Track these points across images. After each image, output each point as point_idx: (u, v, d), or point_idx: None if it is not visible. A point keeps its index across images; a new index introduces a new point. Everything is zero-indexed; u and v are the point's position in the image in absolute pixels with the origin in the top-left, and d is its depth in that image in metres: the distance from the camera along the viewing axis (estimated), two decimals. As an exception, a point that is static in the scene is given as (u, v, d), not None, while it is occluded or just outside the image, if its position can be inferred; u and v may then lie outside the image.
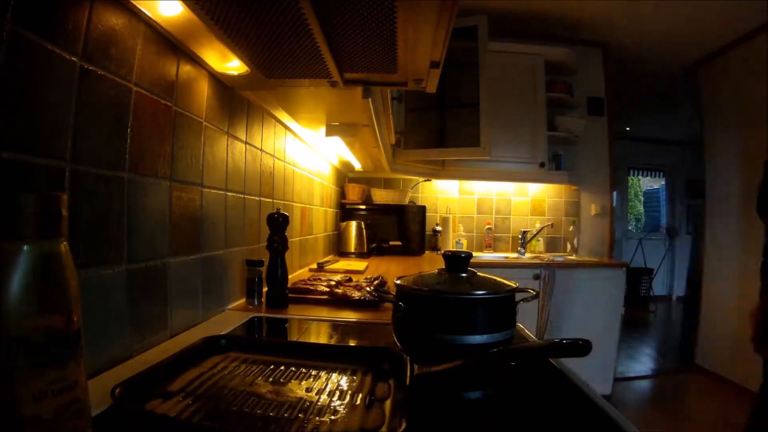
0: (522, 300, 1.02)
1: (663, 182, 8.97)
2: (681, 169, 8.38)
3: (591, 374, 3.38)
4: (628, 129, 7.43)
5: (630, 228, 9.02)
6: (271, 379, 0.80)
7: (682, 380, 4.45)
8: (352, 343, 1.17)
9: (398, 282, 1.02)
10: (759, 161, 3.72)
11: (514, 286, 0.99)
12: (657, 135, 8.03)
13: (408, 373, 0.77)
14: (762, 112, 3.77)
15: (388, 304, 1.09)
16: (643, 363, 4.98)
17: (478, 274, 1.02)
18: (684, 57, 4.56)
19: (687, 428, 3.41)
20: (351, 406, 0.71)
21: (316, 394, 0.75)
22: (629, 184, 9.00)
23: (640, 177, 9.20)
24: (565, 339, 0.78)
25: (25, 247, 0.46)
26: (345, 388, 0.78)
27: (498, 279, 1.01)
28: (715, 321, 4.39)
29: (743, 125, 4.06)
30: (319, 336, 1.27)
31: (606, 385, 3.71)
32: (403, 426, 0.59)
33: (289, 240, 1.57)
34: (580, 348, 0.76)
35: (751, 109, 3.92)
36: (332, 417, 0.67)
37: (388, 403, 0.72)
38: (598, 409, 0.77)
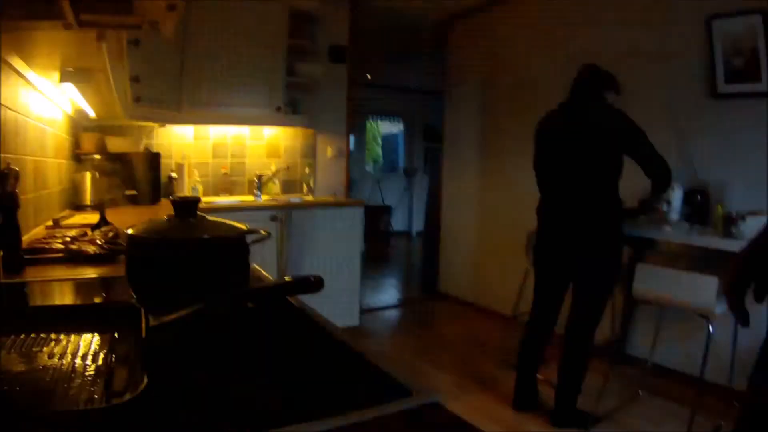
0: (253, 242, 1.04)
1: (402, 127, 9.79)
2: (418, 115, 9.24)
3: (337, 309, 3.62)
4: (369, 77, 7.88)
5: (368, 169, 9.72)
6: (10, 349, 0.73)
7: (427, 307, 4.98)
8: (96, 301, 1.12)
9: (129, 232, 0.97)
10: (494, 109, 4.43)
11: (244, 228, 1.00)
12: (397, 82, 8.68)
13: (143, 327, 0.74)
14: (501, 68, 4.41)
15: (126, 257, 1.05)
16: (389, 294, 5.51)
17: (208, 218, 1.01)
18: (432, 14, 4.96)
19: (443, 349, 3.84)
20: (95, 367, 0.68)
21: (59, 359, 0.70)
22: (368, 128, 9.64)
23: (379, 122, 9.90)
24: (297, 276, 0.82)
25: None
26: (86, 349, 0.74)
27: (228, 222, 1.01)
28: (454, 251, 5.02)
29: (483, 79, 4.66)
30: (61, 297, 1.18)
31: (353, 317, 4.02)
32: (145, 381, 0.57)
33: (22, 197, 1.41)
34: (312, 284, 0.79)
35: (492, 65, 4.53)
36: (78, 381, 0.64)
37: (128, 359, 0.70)
38: (334, 340, 0.84)
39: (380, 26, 5.28)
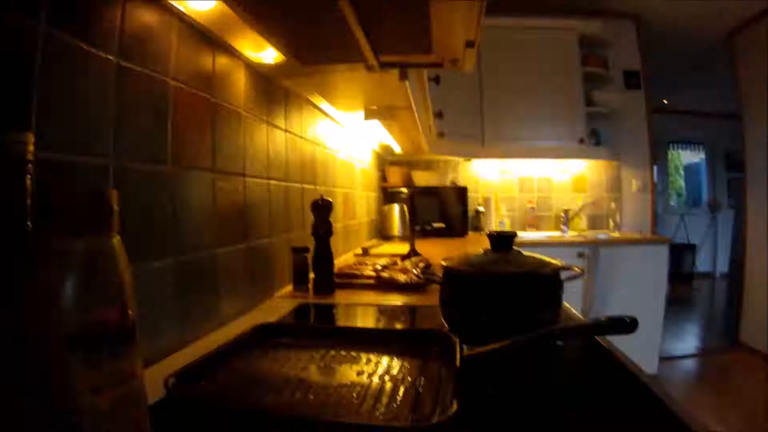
0: (567, 278, 1.00)
1: (703, 155, 8.59)
2: (720, 141, 8.01)
3: (636, 353, 3.27)
4: (665, 102, 7.14)
5: (671, 203, 8.73)
6: (322, 364, 0.81)
7: (726, 359, 4.32)
8: (399, 327, 1.17)
9: (445, 263, 1.01)
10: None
11: (560, 264, 0.97)
12: (695, 107, 7.69)
13: (457, 355, 0.75)
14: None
15: (434, 287, 1.08)
16: (687, 342, 4.85)
17: (523, 253, 1.00)
18: (717, 27, 4.36)
19: (733, 407, 3.31)
20: (403, 389, 0.71)
21: (368, 377, 0.75)
22: (669, 158, 8.68)
23: (679, 151, 8.83)
24: (611, 316, 0.77)
25: (79, 244, 0.46)
26: (395, 371, 0.78)
27: (543, 257, 0.99)
28: (759, 297, 4.22)
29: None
30: (367, 320, 1.28)
31: (651, 364, 3.64)
32: (455, 407, 0.58)
33: (333, 225, 1.57)
34: (627, 325, 0.75)
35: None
36: (385, 400, 0.67)
37: (438, 386, 0.71)
38: (646, 389, 0.74)
39: (667, 47, 4.77)
